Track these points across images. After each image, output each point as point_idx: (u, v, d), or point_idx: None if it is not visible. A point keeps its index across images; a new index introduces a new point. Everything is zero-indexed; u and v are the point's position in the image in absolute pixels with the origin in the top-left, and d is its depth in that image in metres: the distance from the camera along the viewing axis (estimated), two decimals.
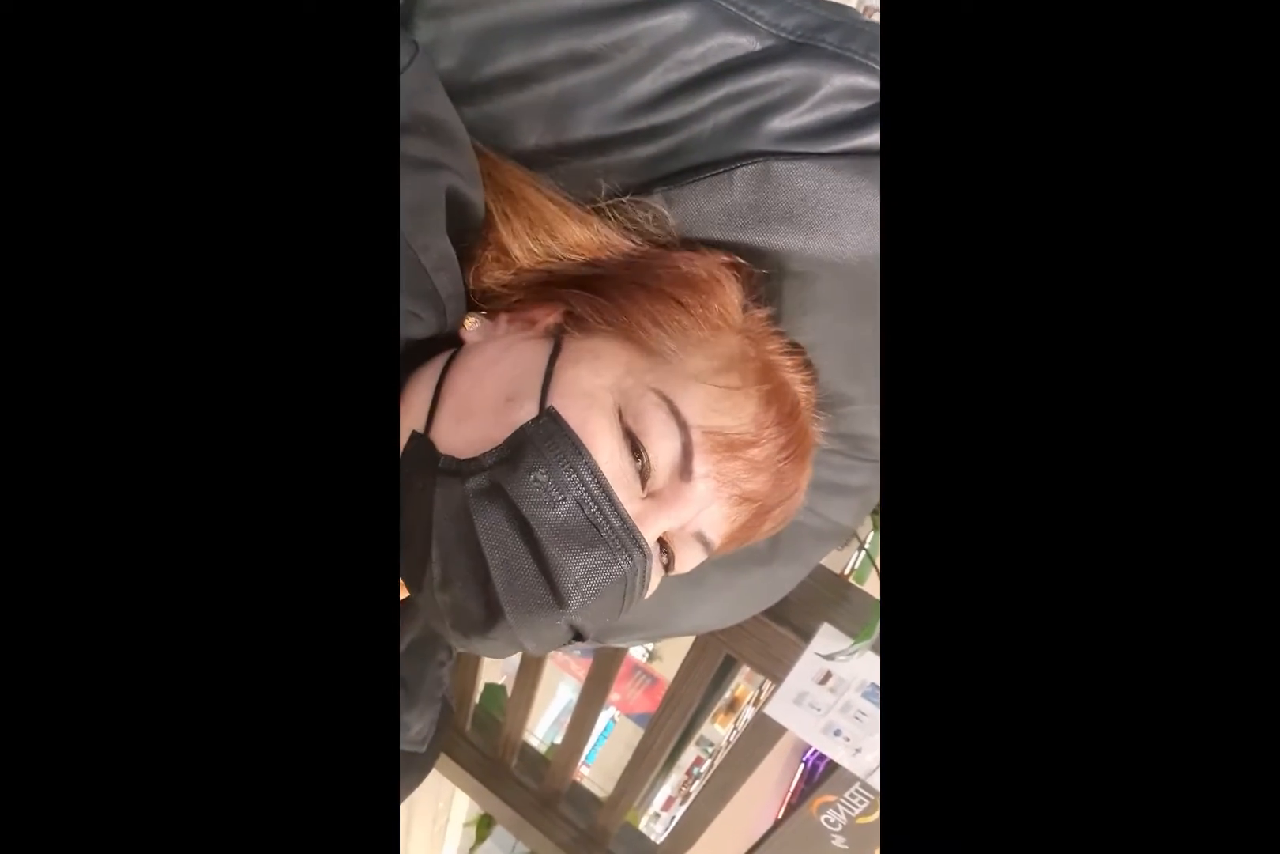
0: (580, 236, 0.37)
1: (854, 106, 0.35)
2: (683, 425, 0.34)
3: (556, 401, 0.33)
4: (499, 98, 0.34)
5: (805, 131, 0.35)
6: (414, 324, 0.34)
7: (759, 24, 0.34)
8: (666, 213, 0.37)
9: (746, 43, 0.34)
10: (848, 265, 0.38)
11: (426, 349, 0.37)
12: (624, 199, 0.37)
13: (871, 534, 0.94)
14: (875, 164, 0.36)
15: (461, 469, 0.33)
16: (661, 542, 0.37)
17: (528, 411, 0.33)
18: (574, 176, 0.37)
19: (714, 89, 0.34)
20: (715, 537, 0.37)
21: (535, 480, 0.32)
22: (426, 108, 0.30)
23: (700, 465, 0.34)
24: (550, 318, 0.37)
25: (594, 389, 0.34)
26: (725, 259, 0.37)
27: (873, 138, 0.36)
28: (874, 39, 0.35)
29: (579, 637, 0.36)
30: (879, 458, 0.50)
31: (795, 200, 0.36)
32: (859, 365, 0.43)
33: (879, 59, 0.35)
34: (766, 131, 0.35)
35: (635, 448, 0.34)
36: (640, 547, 0.33)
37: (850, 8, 0.36)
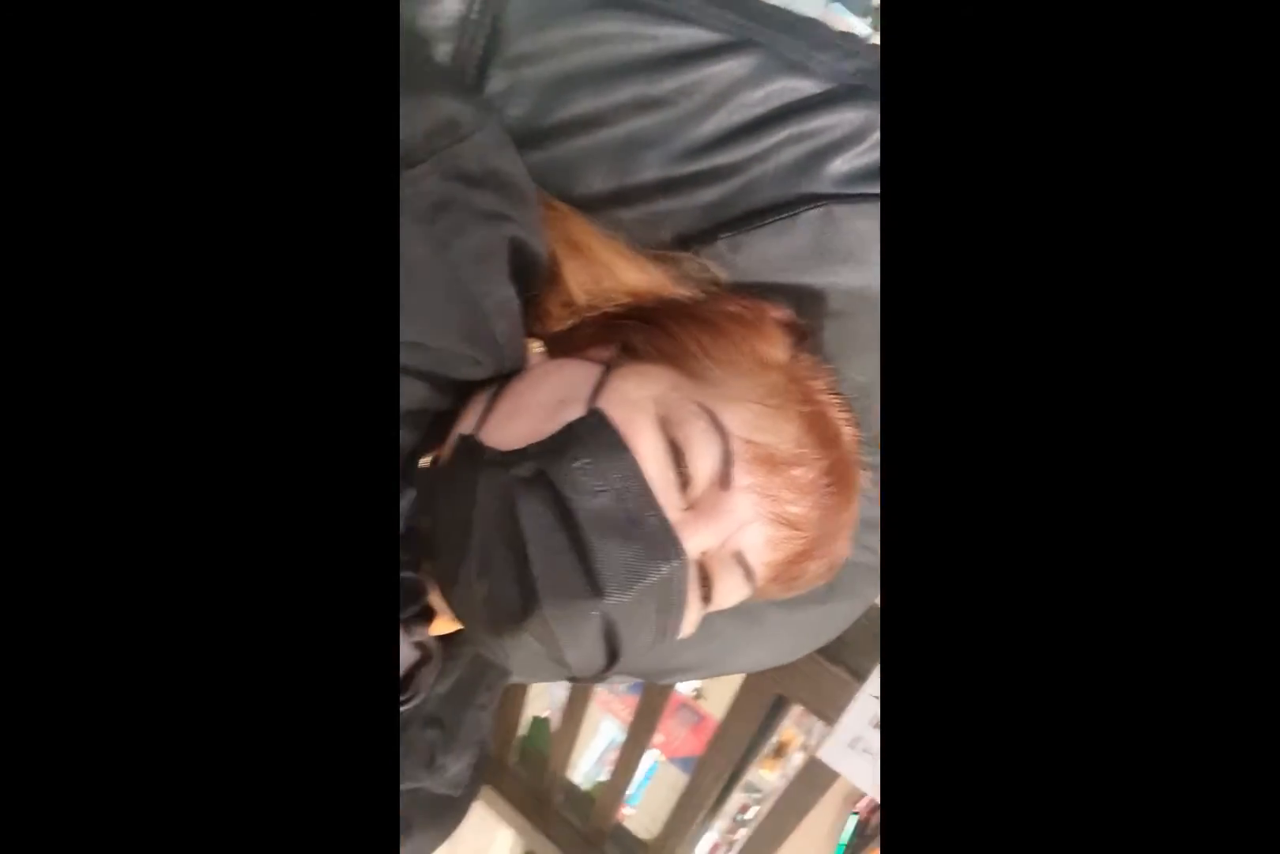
0: (638, 281, 0.39)
1: None
2: (723, 434, 0.35)
3: (603, 405, 0.35)
4: (567, 141, 0.36)
5: (865, 171, 0.36)
6: (472, 368, 0.36)
7: (818, 69, 0.35)
8: (722, 274, 0.38)
9: (807, 86, 0.35)
10: None
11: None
12: (686, 253, 0.38)
13: None
14: None
15: (507, 459, 0.34)
16: (701, 568, 0.37)
17: (575, 412, 0.35)
18: (639, 223, 0.38)
19: (776, 130, 0.35)
20: (757, 561, 0.37)
21: (579, 468, 0.33)
22: (497, 164, 0.32)
23: (741, 476, 0.35)
24: (606, 353, 0.39)
25: (639, 399, 0.35)
26: (776, 314, 0.39)
27: None
28: None
29: (613, 657, 0.36)
30: None
31: (855, 242, 0.37)
32: None
33: None
34: (827, 172, 0.36)
35: (677, 458, 0.35)
36: (679, 550, 0.34)
37: None
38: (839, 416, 0.40)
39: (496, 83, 0.35)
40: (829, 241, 0.36)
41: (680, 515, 0.35)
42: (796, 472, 0.36)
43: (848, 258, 0.37)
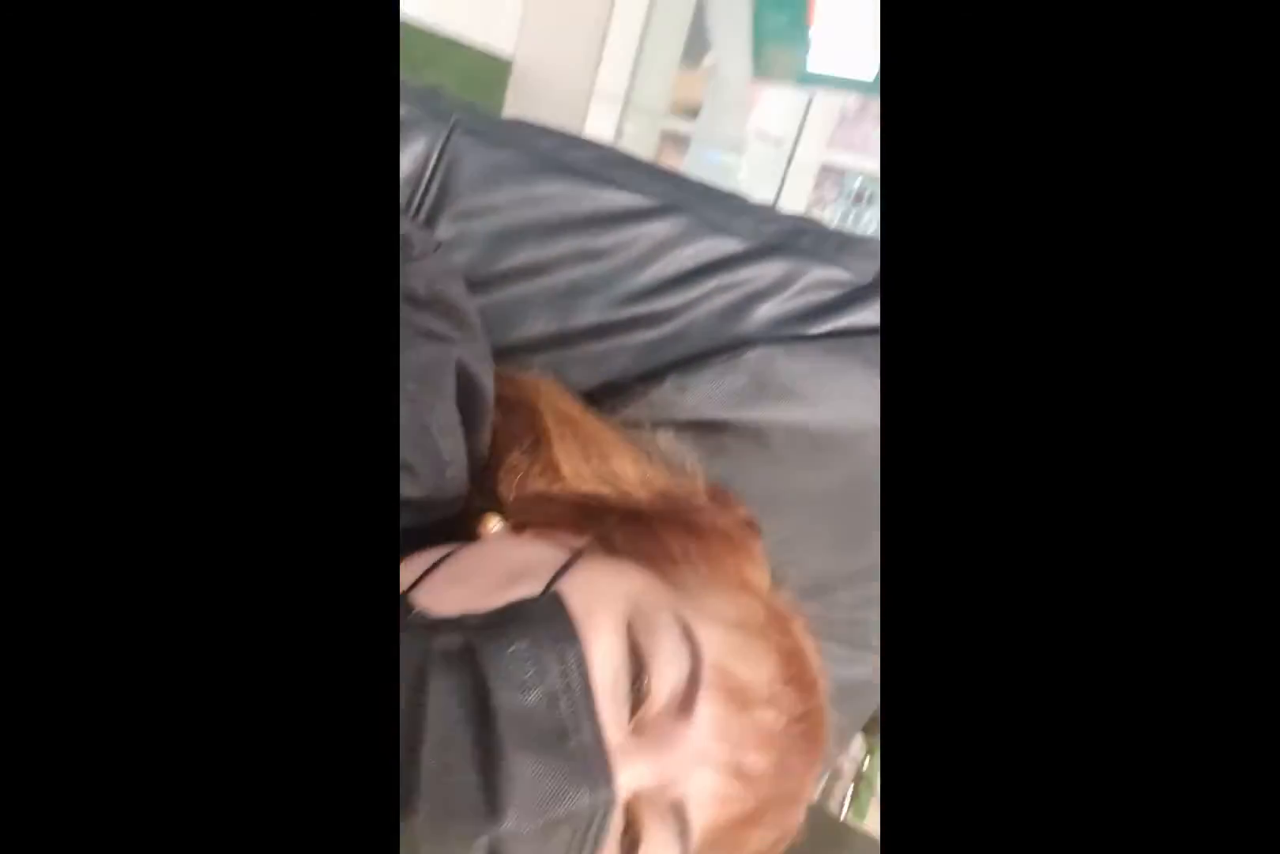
0: (629, 468, 0.37)
1: (831, 294, 0.40)
2: (695, 652, 0.31)
3: (564, 590, 0.31)
4: (510, 287, 0.37)
5: (792, 316, 0.39)
6: (408, 480, 0.33)
7: (740, 230, 0.39)
8: (699, 468, 0.38)
9: (731, 245, 0.39)
10: (843, 439, 0.40)
11: (428, 530, 0.35)
12: (657, 430, 0.38)
13: (867, 759, 0.86)
14: (860, 343, 0.39)
15: (434, 625, 0.29)
16: (629, 813, 0.30)
17: (529, 590, 0.31)
18: (579, 363, 0.39)
19: (706, 281, 0.38)
20: (697, 818, 0.31)
21: (514, 653, 0.28)
22: (444, 289, 0.32)
23: (705, 705, 0.30)
24: (578, 541, 0.36)
25: (608, 592, 0.32)
26: (745, 515, 0.38)
27: (853, 319, 0.40)
28: (843, 241, 0.41)
29: None
30: (874, 647, 0.48)
31: (792, 380, 0.38)
32: (855, 541, 0.43)
33: (846, 260, 0.40)
34: (756, 317, 0.39)
35: (637, 668, 0.30)
36: (609, 779, 0.28)
37: (816, 219, 0.42)
38: (816, 662, 0.37)
39: (443, 232, 0.36)
40: (768, 380, 0.38)
41: (623, 738, 0.29)
42: (767, 715, 0.32)
43: (786, 395, 0.38)
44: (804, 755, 0.33)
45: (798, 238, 0.40)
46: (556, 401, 0.37)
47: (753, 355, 0.38)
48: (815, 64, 1.16)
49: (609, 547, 0.35)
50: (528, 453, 0.37)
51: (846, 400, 0.39)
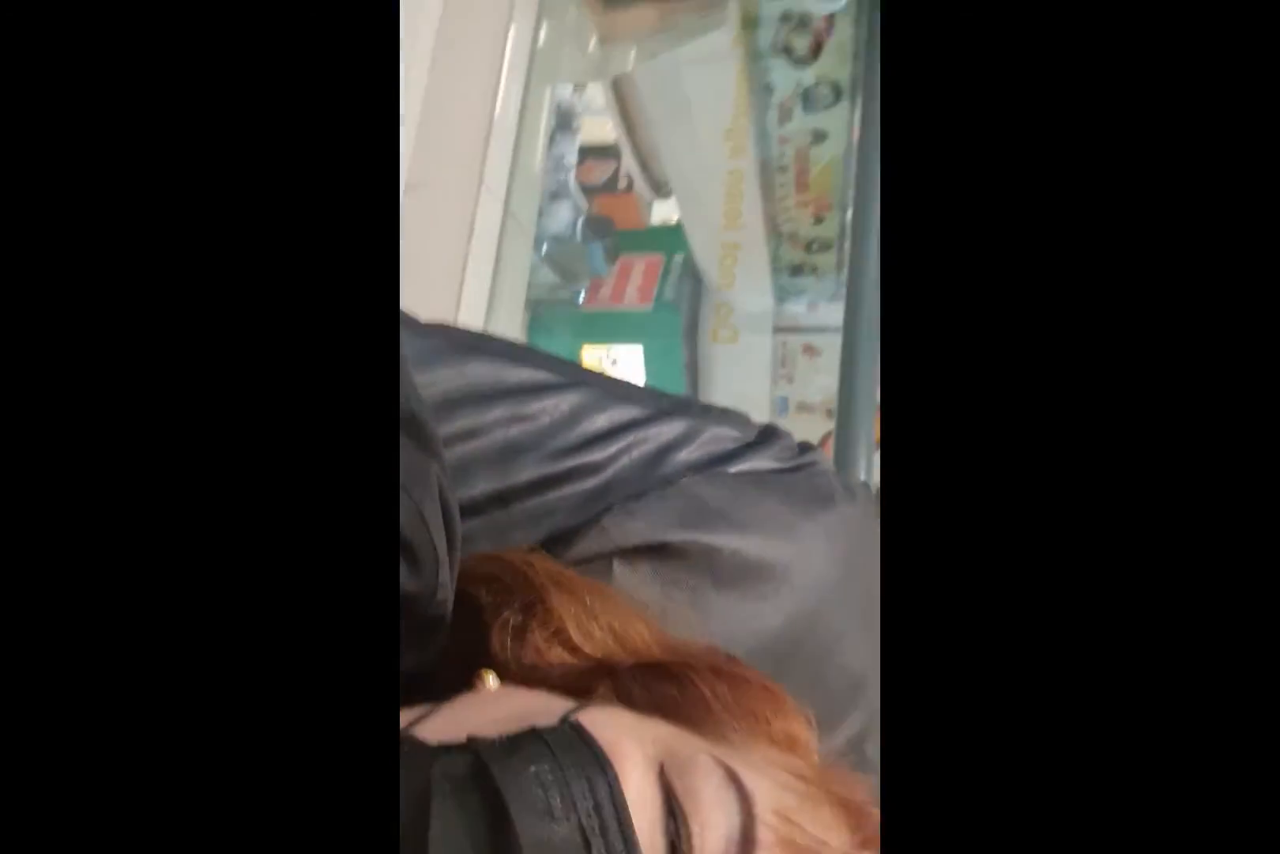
0: (638, 626, 0.35)
1: (730, 445, 0.45)
2: (745, 799, 0.26)
3: (584, 722, 0.27)
4: (450, 448, 0.39)
5: (705, 460, 0.43)
6: (409, 568, 0.30)
7: (639, 400, 0.45)
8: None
9: (634, 411, 0.45)
10: (777, 570, 0.42)
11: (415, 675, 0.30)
12: (614, 567, 0.38)
13: None
14: (765, 480, 0.44)
15: (433, 751, 0.25)
16: None
17: (543, 721, 0.27)
18: (525, 521, 0.39)
19: (624, 437, 0.43)
20: None
21: (536, 775, 0.24)
22: (417, 409, 0.33)
23: None
24: (589, 697, 0.32)
25: (634, 729, 0.28)
26: (770, 682, 0.34)
27: (754, 464, 0.45)
28: (722, 411, 0.48)
29: None
30: None
31: (723, 504, 0.41)
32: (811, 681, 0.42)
33: (730, 423, 0.47)
34: (674, 462, 0.43)
35: (674, 818, 0.25)
36: None
37: (694, 398, 0.49)
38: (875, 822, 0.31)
39: None
40: (703, 503, 0.41)
41: None
42: None
43: (721, 518, 0.41)
44: None
45: (687, 408, 0.47)
46: (547, 565, 0.36)
47: (685, 481, 0.41)
48: None
49: (628, 699, 0.31)
50: (521, 611, 0.34)
51: (772, 527, 0.42)
